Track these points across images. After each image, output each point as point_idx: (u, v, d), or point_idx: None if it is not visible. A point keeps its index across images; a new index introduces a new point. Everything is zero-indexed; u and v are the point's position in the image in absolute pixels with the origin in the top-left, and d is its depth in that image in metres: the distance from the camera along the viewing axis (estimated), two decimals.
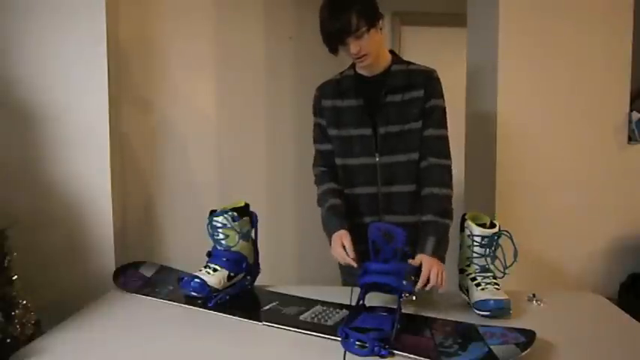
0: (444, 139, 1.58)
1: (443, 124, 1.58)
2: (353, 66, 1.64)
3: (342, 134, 1.61)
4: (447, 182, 1.55)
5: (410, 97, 1.56)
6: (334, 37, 1.47)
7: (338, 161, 1.64)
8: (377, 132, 1.58)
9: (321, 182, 1.67)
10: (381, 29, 1.52)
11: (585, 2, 2.06)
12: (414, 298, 1.37)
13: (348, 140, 1.61)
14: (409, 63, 1.63)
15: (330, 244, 1.56)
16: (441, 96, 1.58)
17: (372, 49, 1.51)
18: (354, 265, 1.47)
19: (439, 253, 1.49)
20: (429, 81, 1.57)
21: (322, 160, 1.68)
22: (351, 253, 1.48)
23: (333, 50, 1.50)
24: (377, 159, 1.59)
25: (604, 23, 2.07)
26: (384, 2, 1.50)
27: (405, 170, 1.58)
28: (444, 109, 1.59)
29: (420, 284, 1.38)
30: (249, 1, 2.63)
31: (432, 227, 1.49)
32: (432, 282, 1.39)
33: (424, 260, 1.41)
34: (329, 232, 1.58)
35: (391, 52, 1.64)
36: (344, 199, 1.62)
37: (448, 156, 1.58)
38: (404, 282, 1.31)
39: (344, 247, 1.50)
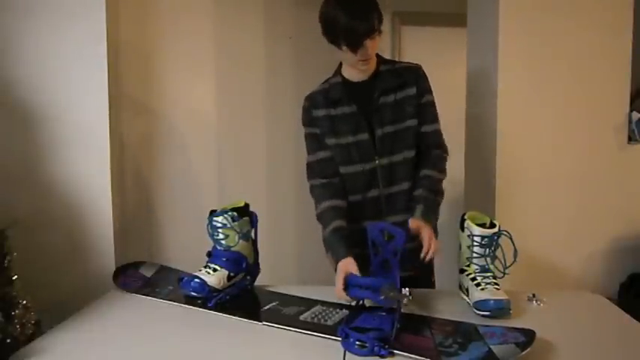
0: (440, 133, 1.64)
1: (437, 119, 1.63)
2: (339, 72, 1.63)
3: (341, 142, 1.59)
4: (443, 168, 1.62)
5: (403, 95, 1.57)
6: (359, 38, 1.44)
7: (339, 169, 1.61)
8: (374, 135, 1.57)
9: (322, 198, 1.58)
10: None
11: (585, 2, 2.06)
12: (410, 298, 1.34)
13: (347, 148, 1.59)
14: (394, 62, 1.66)
15: (335, 270, 1.47)
16: (431, 91, 1.62)
17: (374, 53, 1.54)
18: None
19: (429, 219, 1.49)
20: (419, 78, 1.60)
21: (320, 171, 1.62)
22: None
23: (355, 50, 1.47)
24: (377, 162, 1.58)
25: (604, 23, 2.07)
26: (384, 2, 1.50)
27: (402, 169, 1.58)
28: (434, 102, 1.63)
29: (423, 253, 1.41)
30: (249, 0, 2.63)
31: (422, 199, 1.52)
32: (433, 250, 1.41)
33: (421, 227, 1.44)
34: (336, 258, 1.48)
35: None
36: (346, 217, 1.56)
37: (446, 149, 1.65)
38: (381, 297, 1.27)
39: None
